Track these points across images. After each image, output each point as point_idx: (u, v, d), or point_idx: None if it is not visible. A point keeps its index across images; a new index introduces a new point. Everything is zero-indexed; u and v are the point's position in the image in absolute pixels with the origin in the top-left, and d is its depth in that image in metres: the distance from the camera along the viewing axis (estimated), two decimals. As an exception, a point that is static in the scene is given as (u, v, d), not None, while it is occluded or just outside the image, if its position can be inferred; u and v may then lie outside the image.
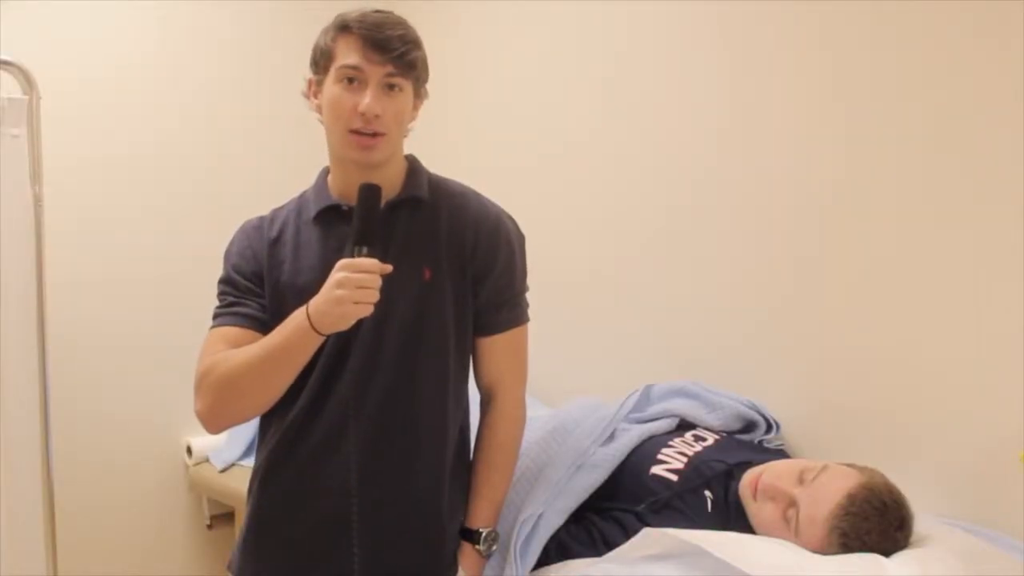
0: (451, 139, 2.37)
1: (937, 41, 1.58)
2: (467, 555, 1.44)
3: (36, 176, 1.87)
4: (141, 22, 2.37)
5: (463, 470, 1.48)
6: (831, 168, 1.73)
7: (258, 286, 1.41)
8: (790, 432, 1.80)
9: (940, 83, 1.57)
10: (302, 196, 1.48)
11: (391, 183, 1.39)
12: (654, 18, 2.05)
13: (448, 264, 1.41)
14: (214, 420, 1.36)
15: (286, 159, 2.55)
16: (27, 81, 1.87)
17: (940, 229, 1.57)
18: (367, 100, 1.30)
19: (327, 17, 1.36)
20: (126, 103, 2.36)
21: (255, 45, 2.59)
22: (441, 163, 1.52)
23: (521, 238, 1.50)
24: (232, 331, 1.37)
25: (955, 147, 1.55)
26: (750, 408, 1.77)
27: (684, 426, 1.74)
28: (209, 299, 1.43)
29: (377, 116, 1.31)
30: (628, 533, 1.39)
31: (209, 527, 2.59)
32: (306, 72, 1.40)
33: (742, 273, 1.89)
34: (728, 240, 1.91)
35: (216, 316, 1.41)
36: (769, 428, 1.77)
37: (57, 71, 2.15)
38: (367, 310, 1.25)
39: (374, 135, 1.32)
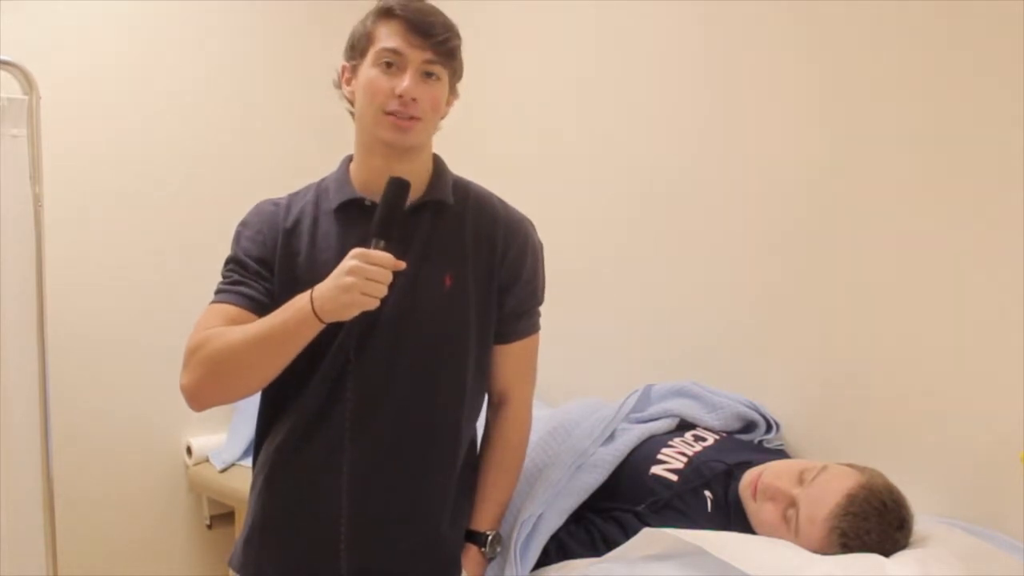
0: (452, 139, 2.37)
1: (931, 36, 1.58)
2: (471, 557, 1.44)
3: (36, 176, 1.87)
4: (142, 22, 2.36)
5: (471, 474, 1.47)
6: (833, 169, 1.73)
7: (266, 271, 1.37)
8: (790, 432, 1.80)
9: (938, 76, 1.57)
10: (321, 184, 1.45)
11: (417, 180, 1.36)
12: (655, 20, 2.05)
13: (473, 271, 1.39)
14: (198, 397, 1.32)
15: (290, 158, 2.54)
16: (27, 81, 1.87)
17: (940, 229, 1.57)
18: (405, 83, 1.29)
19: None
20: (127, 103, 2.35)
21: (257, 45, 2.58)
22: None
23: (542, 247, 1.49)
24: (231, 309, 1.34)
25: (956, 147, 1.55)
26: (750, 408, 1.77)
27: (684, 426, 1.74)
28: (210, 298, 1.41)
29: (414, 100, 1.30)
30: (628, 533, 1.39)
31: (209, 527, 2.59)
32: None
33: (742, 273, 1.89)
34: (729, 240, 1.91)
35: (218, 292, 1.38)
36: (769, 428, 1.77)
37: (57, 71, 2.14)
38: (372, 303, 1.23)
39: (410, 118, 1.31)
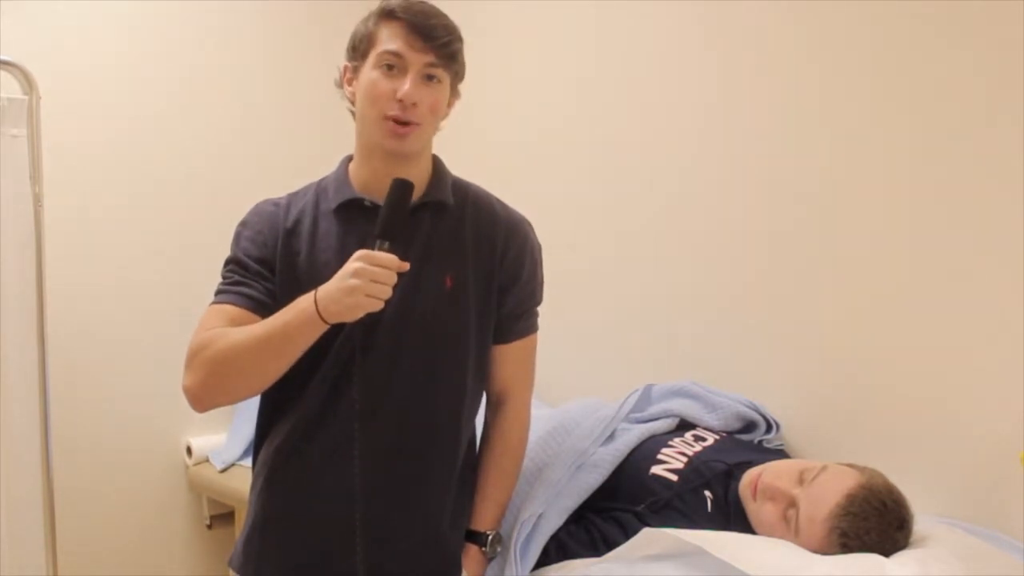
0: (452, 139, 2.38)
1: (931, 36, 1.58)
2: (472, 557, 1.44)
3: (36, 176, 1.87)
4: (142, 22, 2.36)
5: (470, 474, 1.48)
6: (833, 168, 1.73)
7: (267, 271, 1.37)
8: (790, 432, 1.80)
9: (938, 76, 1.57)
10: (320, 184, 1.45)
11: (417, 181, 1.35)
12: (655, 20, 2.05)
13: (474, 272, 1.39)
14: (201, 398, 1.32)
15: (290, 158, 2.54)
16: (27, 81, 1.87)
17: (940, 229, 1.57)
18: (406, 87, 1.29)
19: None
20: (127, 103, 2.35)
21: (257, 45, 2.58)
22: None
23: (541, 247, 1.49)
24: (233, 310, 1.33)
25: (956, 147, 1.55)
26: (750, 408, 1.77)
27: (684, 426, 1.74)
28: (210, 298, 1.41)
29: (414, 104, 1.30)
30: (628, 533, 1.39)
31: (209, 527, 2.59)
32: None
33: (742, 273, 1.89)
34: (729, 240, 1.91)
35: (219, 292, 1.37)
36: (769, 428, 1.77)
37: (57, 71, 2.14)
38: (377, 305, 1.23)
39: (408, 124, 1.31)
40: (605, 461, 1.56)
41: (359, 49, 1.35)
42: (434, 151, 1.45)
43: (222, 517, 2.57)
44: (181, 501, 2.55)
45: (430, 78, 1.32)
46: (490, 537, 1.44)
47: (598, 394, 1.92)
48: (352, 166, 1.42)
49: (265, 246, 1.38)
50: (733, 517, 1.46)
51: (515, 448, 1.50)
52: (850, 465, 1.42)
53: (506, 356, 1.46)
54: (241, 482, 2.15)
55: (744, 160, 1.88)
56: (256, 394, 1.37)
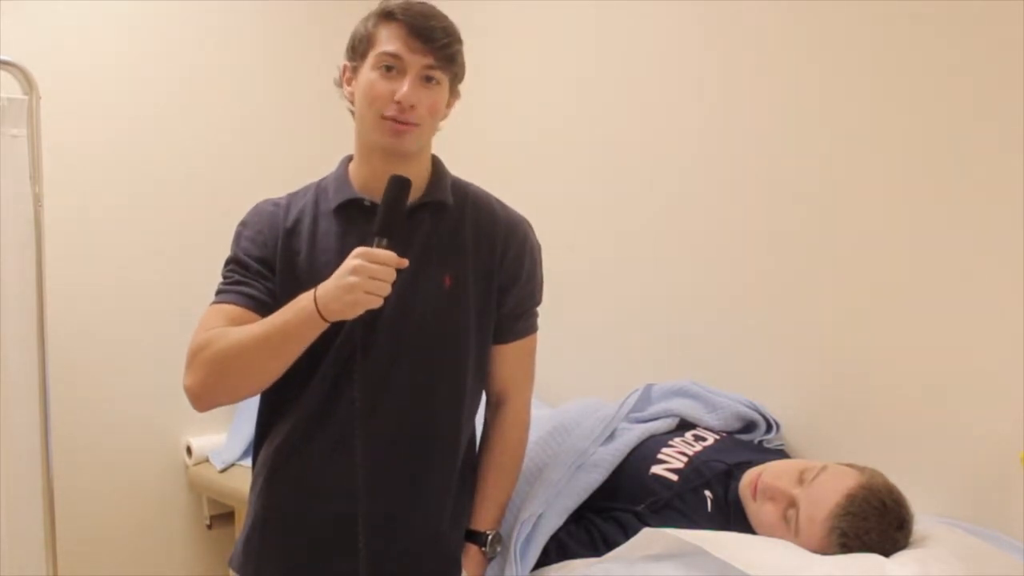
0: (452, 139, 2.37)
1: (931, 35, 1.58)
2: (472, 557, 1.44)
3: (36, 176, 1.87)
4: (142, 22, 2.36)
5: (470, 474, 1.48)
6: (833, 168, 1.73)
7: (267, 271, 1.37)
8: (790, 432, 1.80)
9: (938, 75, 1.57)
10: (320, 184, 1.45)
11: (416, 181, 1.36)
12: (655, 20, 2.05)
13: (474, 273, 1.39)
14: (202, 397, 1.32)
15: (290, 158, 2.55)
16: (27, 81, 1.87)
17: (940, 229, 1.58)
18: (405, 89, 1.29)
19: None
20: (127, 103, 2.35)
21: (257, 45, 2.59)
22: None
23: (540, 247, 1.49)
24: (234, 309, 1.34)
25: (956, 147, 1.55)
26: (750, 408, 1.77)
27: (684, 426, 1.74)
28: (210, 298, 1.41)
29: (412, 106, 1.30)
30: (628, 533, 1.39)
31: (209, 527, 2.59)
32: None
33: (742, 273, 1.89)
34: (729, 240, 1.91)
35: (219, 292, 1.38)
36: (769, 428, 1.77)
37: (57, 71, 2.14)
38: (376, 302, 1.23)
39: (407, 124, 1.31)
40: (605, 461, 1.56)
41: (358, 49, 1.35)
42: (434, 151, 1.45)
43: (222, 517, 2.57)
44: (181, 501, 2.56)
45: (429, 80, 1.32)
46: (490, 537, 1.44)
47: (598, 394, 1.92)
48: (352, 166, 1.42)
49: (265, 246, 1.38)
50: (733, 517, 1.46)
51: (515, 448, 1.50)
52: (850, 465, 1.42)
53: (506, 356, 1.46)
54: (241, 482, 2.15)
55: (744, 160, 1.88)
56: (257, 393, 1.37)
